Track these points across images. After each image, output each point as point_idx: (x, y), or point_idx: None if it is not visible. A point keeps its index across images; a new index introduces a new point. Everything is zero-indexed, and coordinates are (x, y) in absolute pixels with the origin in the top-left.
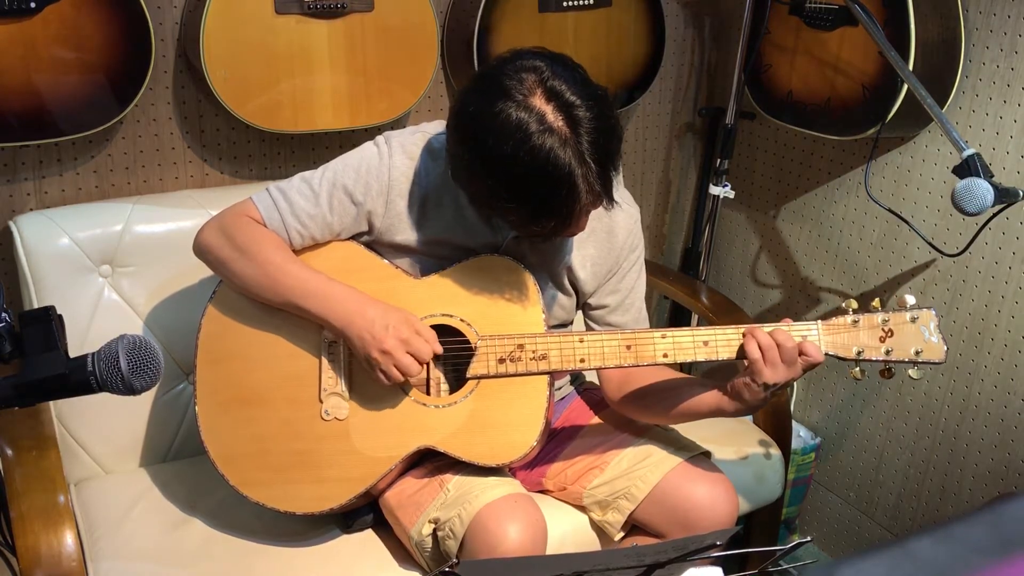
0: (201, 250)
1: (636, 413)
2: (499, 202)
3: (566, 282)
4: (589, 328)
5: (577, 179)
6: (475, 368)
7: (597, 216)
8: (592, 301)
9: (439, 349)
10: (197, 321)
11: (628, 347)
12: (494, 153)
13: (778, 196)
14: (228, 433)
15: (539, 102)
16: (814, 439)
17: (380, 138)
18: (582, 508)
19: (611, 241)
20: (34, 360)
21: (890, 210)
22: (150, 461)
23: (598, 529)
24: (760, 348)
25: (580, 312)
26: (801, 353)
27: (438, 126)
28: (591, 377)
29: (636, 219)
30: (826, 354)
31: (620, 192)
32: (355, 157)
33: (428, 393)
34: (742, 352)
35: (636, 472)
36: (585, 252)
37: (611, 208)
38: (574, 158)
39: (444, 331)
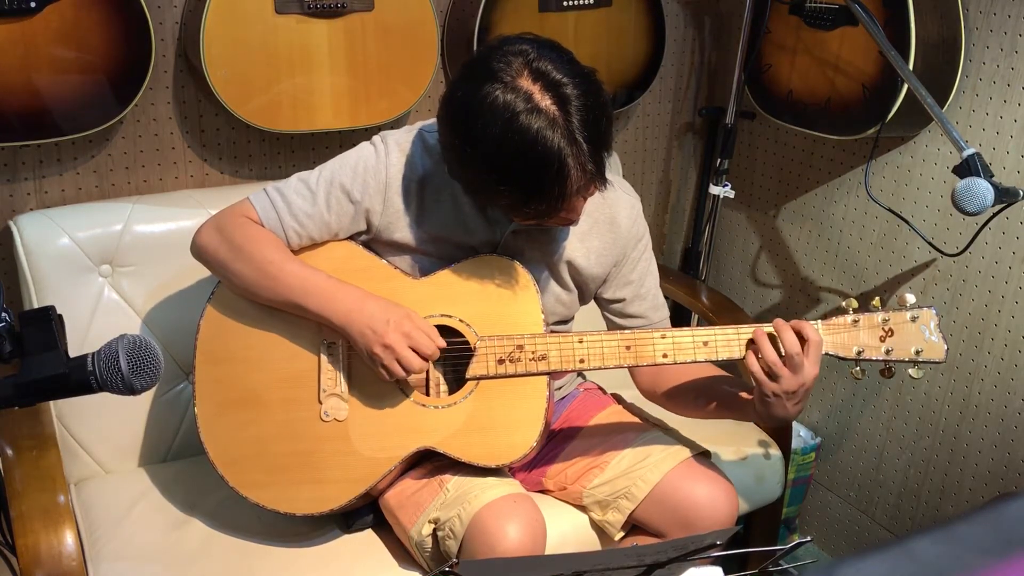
0: (199, 251)
1: (667, 406)
2: (491, 186)
3: (567, 277)
4: (610, 325)
5: (567, 158)
6: (474, 369)
7: (597, 207)
8: (606, 296)
9: (442, 343)
10: (196, 321)
11: (627, 347)
12: (483, 136)
13: (778, 196)
14: (228, 435)
15: (526, 83)
16: (814, 439)
17: (376, 138)
18: (582, 508)
19: (614, 231)
20: (34, 360)
21: (890, 210)
22: (150, 461)
23: (598, 529)
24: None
25: (587, 308)
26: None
27: (432, 122)
28: (592, 377)
29: (638, 209)
30: (826, 354)
31: (620, 182)
32: (352, 156)
33: (427, 394)
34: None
35: (636, 472)
36: (589, 245)
37: (604, 189)
38: (564, 138)
39: (443, 332)
